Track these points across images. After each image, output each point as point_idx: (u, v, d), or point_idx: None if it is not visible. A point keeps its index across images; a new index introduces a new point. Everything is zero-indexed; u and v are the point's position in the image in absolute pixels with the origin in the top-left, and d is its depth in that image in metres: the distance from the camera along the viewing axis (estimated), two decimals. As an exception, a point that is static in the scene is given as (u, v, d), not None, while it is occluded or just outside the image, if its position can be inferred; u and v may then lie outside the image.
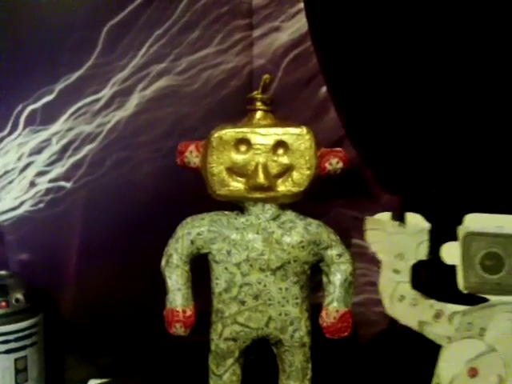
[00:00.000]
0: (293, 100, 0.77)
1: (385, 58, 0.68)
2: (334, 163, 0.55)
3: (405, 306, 0.44)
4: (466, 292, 0.41)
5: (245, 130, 0.54)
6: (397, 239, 0.44)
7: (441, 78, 0.66)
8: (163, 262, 0.55)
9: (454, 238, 0.49)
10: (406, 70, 0.67)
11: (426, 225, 0.44)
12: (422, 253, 0.44)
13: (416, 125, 0.68)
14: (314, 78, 0.77)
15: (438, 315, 0.42)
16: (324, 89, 0.77)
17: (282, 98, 0.72)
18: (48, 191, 0.76)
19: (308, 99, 0.77)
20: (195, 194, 0.70)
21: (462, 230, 0.42)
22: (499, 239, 0.40)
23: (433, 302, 0.44)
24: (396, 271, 0.44)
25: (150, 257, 0.64)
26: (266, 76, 0.56)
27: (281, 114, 0.58)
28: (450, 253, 0.42)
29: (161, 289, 0.56)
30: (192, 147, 0.56)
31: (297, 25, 0.77)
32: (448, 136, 0.67)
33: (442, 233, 0.54)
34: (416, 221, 0.44)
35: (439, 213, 0.65)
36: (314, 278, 0.57)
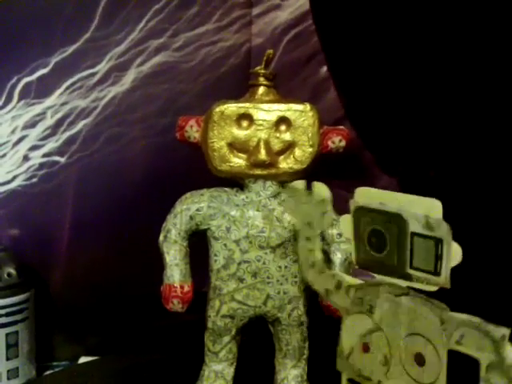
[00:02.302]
0: (292, 79, 0.76)
1: (386, 39, 0.67)
2: (337, 141, 0.54)
3: (315, 272, 0.43)
4: (357, 267, 0.40)
5: (247, 105, 0.54)
6: (305, 208, 0.42)
7: (442, 59, 0.65)
8: (161, 238, 0.54)
9: (452, 220, 0.48)
10: (408, 52, 0.67)
11: (328, 195, 0.41)
12: (326, 223, 0.42)
13: (416, 106, 0.68)
14: (314, 57, 0.76)
15: (338, 285, 0.41)
16: (323, 69, 0.76)
17: (281, 77, 0.71)
18: (41, 166, 0.74)
19: (307, 79, 0.77)
20: (189, 172, 0.70)
21: (352, 204, 0.39)
22: (382, 216, 0.37)
23: (334, 272, 0.43)
24: (307, 239, 0.42)
25: (142, 234, 0.63)
26: (270, 51, 0.55)
27: (280, 94, 0.57)
28: (346, 227, 0.39)
29: (153, 267, 0.56)
30: (193, 121, 0.55)
31: (297, 3, 0.76)
32: (447, 118, 0.67)
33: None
34: (319, 191, 0.41)
35: (437, 195, 0.64)
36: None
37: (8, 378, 0.67)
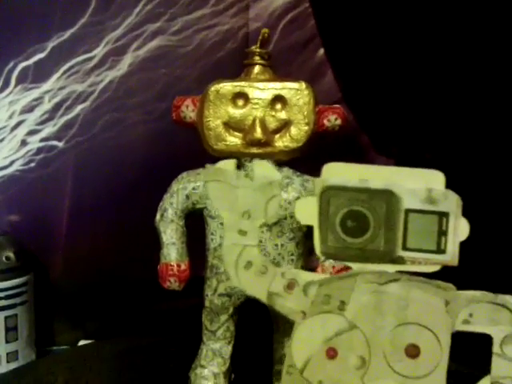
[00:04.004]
0: (289, 63, 0.76)
1: (382, 23, 0.67)
2: (333, 120, 0.54)
3: (252, 274, 0.36)
4: (323, 258, 0.37)
5: (242, 83, 0.54)
6: (242, 194, 0.37)
7: (438, 42, 0.65)
8: (158, 217, 0.55)
9: None
10: (404, 35, 0.67)
11: (277, 175, 0.36)
12: (273, 211, 0.37)
13: (412, 89, 0.68)
14: (311, 41, 0.76)
15: (290, 285, 0.35)
16: (320, 52, 0.76)
17: (279, 61, 0.71)
18: (39, 150, 0.75)
19: (304, 63, 0.77)
20: (187, 157, 0.70)
21: (318, 184, 0.34)
22: (363, 195, 0.33)
23: (284, 269, 0.38)
24: (242, 232, 0.38)
25: (141, 219, 0.63)
26: (265, 30, 0.56)
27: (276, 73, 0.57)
28: (306, 211, 0.34)
29: (152, 251, 0.56)
30: (188, 101, 0.55)
31: (294, -13, 0.76)
32: (443, 100, 0.67)
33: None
34: (264, 171, 0.36)
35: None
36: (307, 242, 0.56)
37: (7, 361, 0.67)
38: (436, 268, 0.33)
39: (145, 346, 0.68)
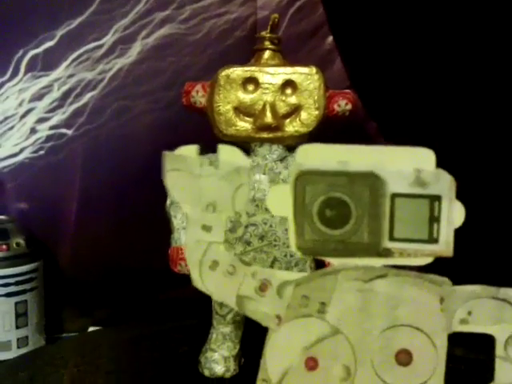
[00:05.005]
0: (297, 51, 0.76)
1: (391, 10, 0.67)
2: (343, 105, 0.55)
3: (219, 275, 0.31)
4: (299, 253, 0.31)
5: (253, 68, 0.54)
6: (206, 183, 0.31)
7: (447, 29, 0.65)
8: (168, 202, 0.55)
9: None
10: (414, 22, 0.67)
11: (245, 161, 0.31)
12: (241, 201, 0.31)
13: (421, 76, 0.68)
14: (320, 29, 0.76)
15: (262, 287, 0.31)
16: (329, 40, 0.76)
17: (287, 49, 0.71)
18: (48, 138, 0.75)
19: (313, 50, 0.77)
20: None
21: (292, 169, 0.30)
22: (343, 179, 0.28)
23: (256, 268, 0.32)
24: (206, 228, 0.31)
25: (150, 207, 0.63)
26: (275, 15, 0.56)
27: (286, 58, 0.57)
28: (279, 201, 0.30)
29: (161, 240, 0.56)
30: (198, 87, 0.55)
31: (302, -26, 0.76)
32: (452, 87, 0.67)
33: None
34: (229, 157, 0.31)
35: (440, 166, 0.64)
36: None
37: (18, 347, 0.68)
38: (428, 260, 0.29)
39: (155, 332, 0.68)
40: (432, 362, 0.29)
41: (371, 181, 0.28)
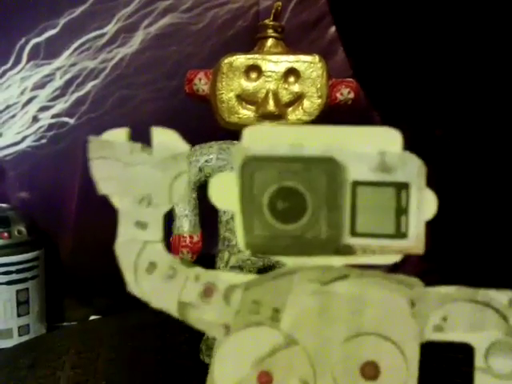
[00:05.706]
0: (300, 42, 0.76)
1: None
2: (346, 93, 0.54)
3: (157, 279, 0.27)
4: (248, 252, 0.26)
5: (256, 56, 0.53)
6: (138, 173, 0.27)
7: (448, 18, 0.65)
8: (170, 189, 0.55)
9: (458, 185, 0.47)
10: (416, 12, 0.66)
11: (183, 147, 0.27)
12: (180, 192, 0.27)
13: (423, 65, 0.68)
14: (322, 19, 0.76)
15: (207, 291, 0.27)
16: (331, 31, 0.76)
17: (289, 40, 0.71)
18: (51, 127, 0.75)
19: (315, 41, 0.77)
20: (198, 134, 0.70)
21: (237, 154, 0.25)
22: (296, 165, 0.24)
23: (199, 270, 0.28)
24: (141, 225, 0.27)
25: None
26: (278, 3, 0.55)
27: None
28: (223, 191, 0.25)
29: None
30: (201, 74, 0.55)
31: (305, -36, 0.76)
32: (454, 76, 0.67)
33: (447, 178, 0.53)
34: (166, 141, 0.27)
35: (443, 155, 0.65)
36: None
37: (19, 335, 0.68)
38: (396, 258, 0.25)
39: (156, 320, 0.68)
40: (402, 375, 0.25)
41: (329, 166, 0.25)
